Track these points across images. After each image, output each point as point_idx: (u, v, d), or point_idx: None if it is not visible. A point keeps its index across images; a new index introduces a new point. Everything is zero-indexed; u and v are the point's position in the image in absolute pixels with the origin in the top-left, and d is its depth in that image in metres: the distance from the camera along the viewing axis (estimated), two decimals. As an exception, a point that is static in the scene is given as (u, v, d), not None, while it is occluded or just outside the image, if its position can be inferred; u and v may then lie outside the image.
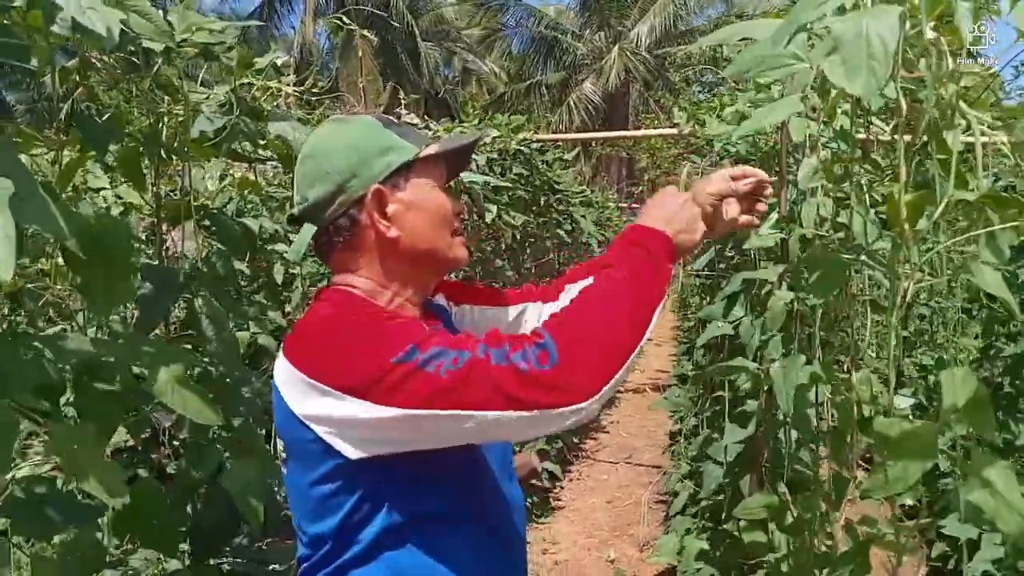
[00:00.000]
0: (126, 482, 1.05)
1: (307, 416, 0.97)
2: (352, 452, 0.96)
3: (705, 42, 1.28)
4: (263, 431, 2.35)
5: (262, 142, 1.40)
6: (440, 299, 1.28)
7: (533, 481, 4.08)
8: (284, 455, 1.09)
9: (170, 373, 1.10)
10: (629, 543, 3.81)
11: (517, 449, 3.83)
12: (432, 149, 1.12)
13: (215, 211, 1.58)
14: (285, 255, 3.13)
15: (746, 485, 1.93)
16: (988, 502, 0.70)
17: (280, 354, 1.03)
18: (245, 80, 1.31)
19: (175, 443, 2.02)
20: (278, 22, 24.10)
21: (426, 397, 0.88)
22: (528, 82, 23.68)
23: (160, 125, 1.27)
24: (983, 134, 1.05)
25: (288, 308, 2.96)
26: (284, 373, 1.01)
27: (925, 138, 1.04)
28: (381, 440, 0.95)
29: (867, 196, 1.39)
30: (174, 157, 1.31)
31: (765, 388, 1.70)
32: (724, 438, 1.94)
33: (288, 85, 1.42)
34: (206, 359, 1.62)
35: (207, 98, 1.28)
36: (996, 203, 0.98)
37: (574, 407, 0.87)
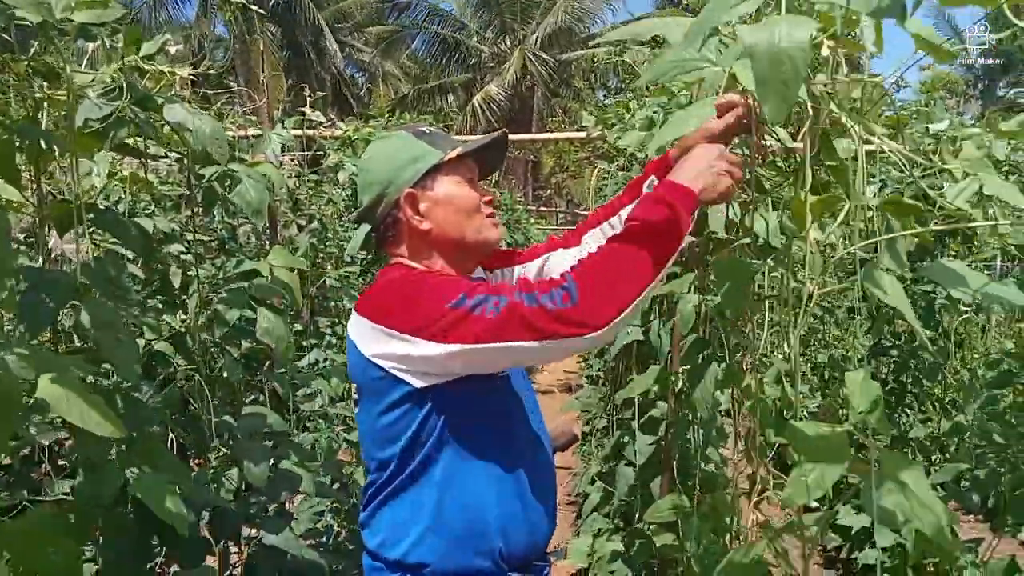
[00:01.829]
0: (14, 510, 0.95)
1: (377, 356, 1.23)
2: (416, 382, 1.21)
3: (615, 36, 1.27)
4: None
5: (153, 136, 1.30)
6: (479, 272, 1.48)
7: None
8: (356, 397, 1.34)
9: (64, 383, 1.00)
10: (540, 545, 3.80)
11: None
12: (455, 152, 1.35)
13: (107, 209, 1.46)
14: (182, 256, 2.96)
15: (657, 486, 1.96)
16: (903, 504, 0.72)
17: (353, 312, 1.31)
18: (134, 62, 1.21)
19: (60, 463, 1.87)
20: (172, 12, 23.07)
21: (475, 335, 1.13)
22: (433, 83, 23.57)
23: (39, 113, 1.16)
24: (868, 142, 1.08)
25: (184, 314, 2.80)
26: (357, 325, 1.29)
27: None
28: (437, 372, 1.20)
29: (770, 200, 1.42)
30: (55, 149, 1.19)
31: (675, 390, 1.73)
32: (635, 441, 1.96)
33: (183, 71, 1.32)
34: (100, 369, 1.50)
35: (93, 80, 1.17)
36: (897, 210, 1.01)
37: (588, 337, 1.10)
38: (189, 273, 2.96)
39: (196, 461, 2.45)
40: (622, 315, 1.12)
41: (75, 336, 1.62)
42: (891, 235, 0.93)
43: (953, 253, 3.15)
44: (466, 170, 1.39)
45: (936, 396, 3.21)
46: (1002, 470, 2.60)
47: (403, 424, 1.24)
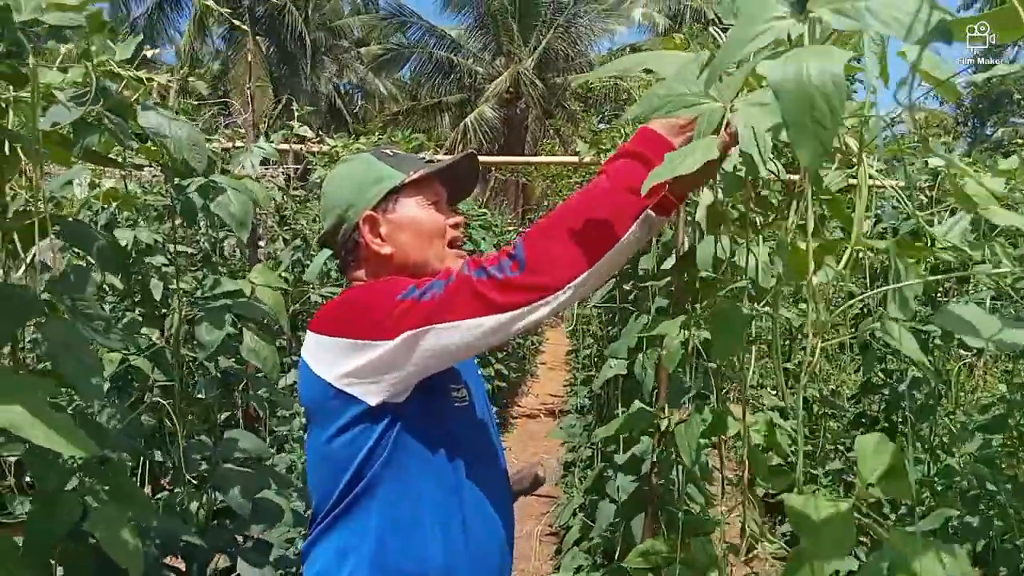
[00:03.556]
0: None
1: (331, 374, 1.15)
2: (370, 398, 1.13)
3: (603, 72, 1.19)
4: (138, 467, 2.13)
5: (134, 145, 1.23)
6: None
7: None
8: (304, 421, 1.24)
9: (25, 403, 0.92)
10: (518, 578, 3.71)
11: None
12: (418, 173, 1.29)
13: (72, 220, 1.39)
14: (164, 269, 2.89)
15: (638, 525, 1.89)
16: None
17: (308, 333, 1.22)
18: (107, 66, 1.14)
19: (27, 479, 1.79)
20: (167, 26, 23.09)
21: (424, 316, 1.06)
22: (428, 102, 23.64)
23: (5, 118, 1.09)
24: (870, 176, 1.03)
25: (167, 328, 2.71)
26: (309, 344, 1.21)
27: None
28: (394, 373, 1.11)
29: (760, 237, 1.37)
30: (21, 157, 1.12)
31: (660, 428, 1.67)
32: (617, 478, 1.89)
33: (160, 78, 1.25)
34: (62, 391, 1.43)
35: (63, 82, 1.10)
36: (906, 252, 0.96)
37: (542, 304, 1.01)
38: (171, 286, 2.89)
39: (167, 483, 2.36)
40: (578, 279, 1.01)
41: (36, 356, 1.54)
42: (902, 284, 0.87)
43: (944, 289, 3.12)
44: (431, 192, 1.32)
45: (927, 437, 3.16)
46: (992, 514, 2.54)
47: (352, 449, 1.16)
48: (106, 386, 2.56)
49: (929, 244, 1.46)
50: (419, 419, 1.17)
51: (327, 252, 1.38)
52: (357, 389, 1.13)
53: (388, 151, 1.36)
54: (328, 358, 1.16)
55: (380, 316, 1.10)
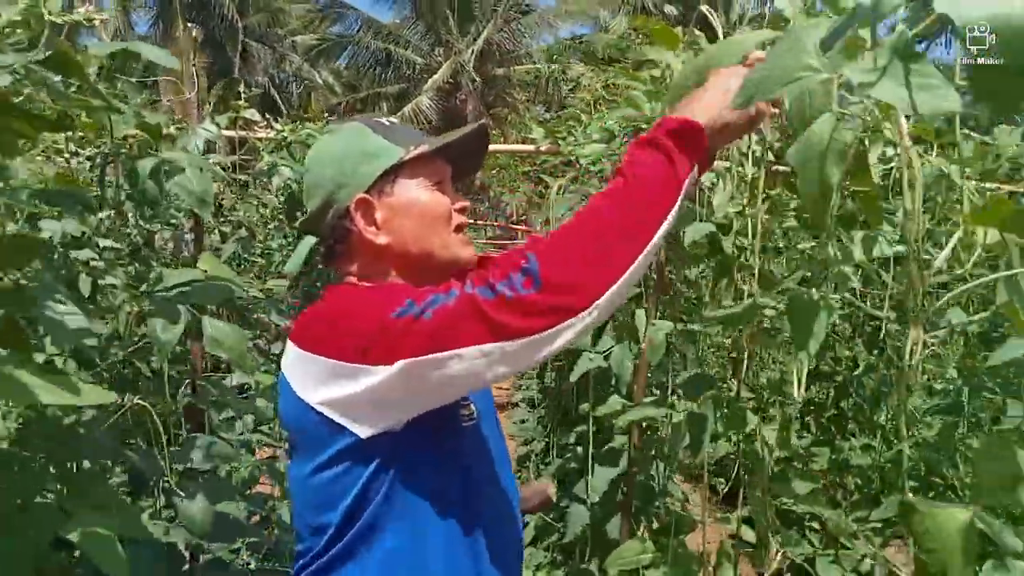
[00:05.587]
0: None
1: (314, 398, 0.97)
2: (362, 430, 0.96)
3: (678, 86, 1.05)
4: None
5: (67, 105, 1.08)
6: None
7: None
8: (287, 446, 1.06)
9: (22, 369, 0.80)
10: (473, 576, 3.61)
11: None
12: (419, 149, 1.09)
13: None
14: (91, 263, 2.69)
15: (614, 525, 1.82)
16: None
17: (288, 343, 1.04)
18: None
19: None
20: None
21: (424, 343, 0.88)
22: (366, 93, 23.26)
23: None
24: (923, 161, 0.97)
25: (105, 326, 2.52)
26: (291, 358, 1.03)
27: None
28: (389, 407, 0.95)
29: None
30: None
31: (644, 425, 1.61)
32: (593, 477, 1.81)
33: (102, 15, 1.09)
34: None
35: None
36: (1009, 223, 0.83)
37: (564, 325, 0.85)
38: (100, 281, 2.70)
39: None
40: (605, 295, 0.85)
41: None
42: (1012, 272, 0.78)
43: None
44: (433, 171, 1.12)
45: (879, 424, 3.20)
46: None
47: (343, 484, 0.99)
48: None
49: None
50: (422, 446, 1.00)
51: (311, 240, 1.20)
52: (345, 419, 0.96)
53: (384, 120, 1.15)
54: (311, 379, 0.99)
55: (372, 336, 0.91)
